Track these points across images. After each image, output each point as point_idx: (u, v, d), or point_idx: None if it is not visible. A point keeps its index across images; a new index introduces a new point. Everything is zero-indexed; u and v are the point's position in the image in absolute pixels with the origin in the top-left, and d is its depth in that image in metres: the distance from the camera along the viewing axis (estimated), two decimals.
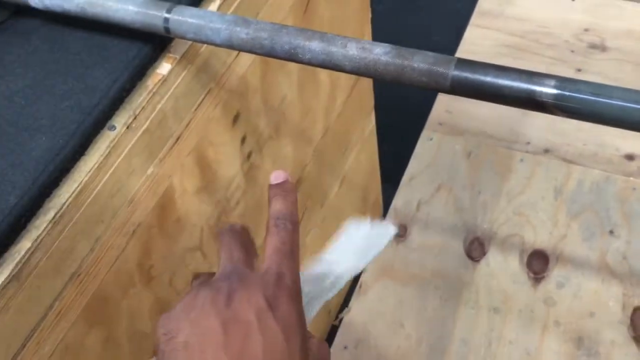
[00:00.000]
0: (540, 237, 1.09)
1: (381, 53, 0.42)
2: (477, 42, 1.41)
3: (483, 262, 1.08)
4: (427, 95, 1.34)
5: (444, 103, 1.31)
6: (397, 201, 1.17)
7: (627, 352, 0.96)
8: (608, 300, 1.01)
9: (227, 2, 0.53)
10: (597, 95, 0.38)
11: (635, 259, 1.04)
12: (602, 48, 1.35)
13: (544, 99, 0.38)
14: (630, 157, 1.17)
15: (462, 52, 1.41)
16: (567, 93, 0.38)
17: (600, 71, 1.32)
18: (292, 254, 0.35)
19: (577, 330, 0.99)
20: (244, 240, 0.37)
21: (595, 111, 0.38)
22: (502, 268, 1.07)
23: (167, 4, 0.45)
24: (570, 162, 1.18)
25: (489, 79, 0.40)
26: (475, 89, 0.40)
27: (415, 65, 0.41)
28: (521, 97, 0.39)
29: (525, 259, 1.07)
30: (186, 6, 0.46)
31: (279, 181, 0.40)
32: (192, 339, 0.29)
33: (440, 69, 0.41)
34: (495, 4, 1.48)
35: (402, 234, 1.13)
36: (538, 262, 1.07)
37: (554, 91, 0.38)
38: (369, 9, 0.79)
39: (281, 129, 0.65)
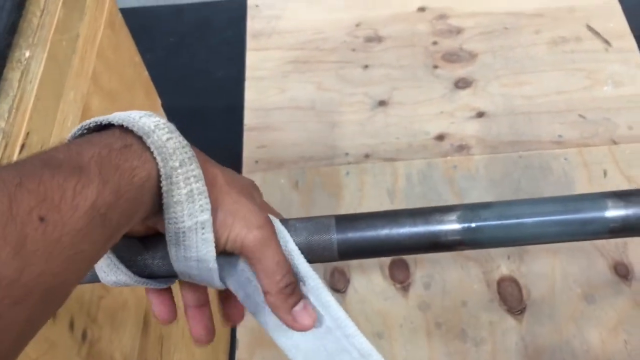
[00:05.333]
0: None
1: None
2: (260, 67, 1.37)
3: (350, 290, 1.05)
4: (233, 135, 1.28)
5: (252, 139, 1.25)
6: None
7: (507, 327, 0.99)
8: (473, 284, 1.04)
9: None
10: (505, 217, 0.33)
11: None
12: (378, 39, 1.38)
13: (450, 238, 0.33)
14: (440, 138, 1.21)
15: (250, 79, 1.35)
16: (474, 224, 0.33)
17: (383, 62, 1.34)
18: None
19: (458, 325, 1.00)
20: None
21: (508, 236, 0.33)
22: (369, 290, 1.05)
23: None
24: (391, 159, 1.19)
25: (383, 232, 0.34)
26: (369, 247, 0.34)
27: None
28: (424, 243, 0.34)
29: (387, 272, 1.06)
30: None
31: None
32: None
33: (321, 237, 0.34)
34: (264, 23, 1.44)
35: None
36: (399, 271, 1.06)
37: (458, 226, 0.33)
38: (157, 97, 0.69)
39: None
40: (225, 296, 0.40)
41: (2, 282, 0.23)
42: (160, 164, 0.31)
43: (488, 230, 0.33)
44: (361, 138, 1.23)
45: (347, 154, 1.21)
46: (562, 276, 1.03)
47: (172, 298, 0.40)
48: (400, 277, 1.06)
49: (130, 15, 0.73)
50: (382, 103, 1.28)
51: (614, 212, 0.31)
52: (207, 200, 0.33)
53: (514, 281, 1.03)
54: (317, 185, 1.18)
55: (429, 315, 1.02)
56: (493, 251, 1.06)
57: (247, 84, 1.34)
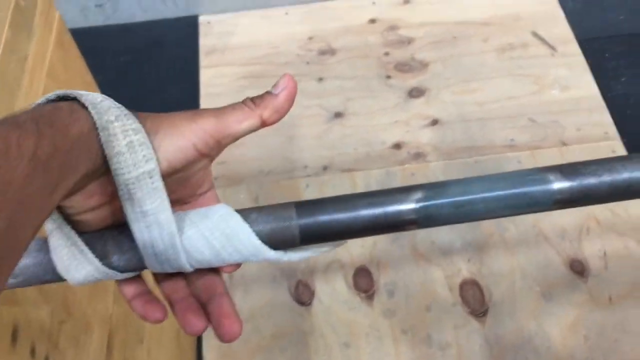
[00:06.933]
0: (355, 253, 1.10)
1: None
2: (215, 83, 1.37)
3: (315, 302, 1.05)
4: None
5: None
6: None
7: (470, 330, 1.01)
8: (436, 289, 1.05)
9: None
10: (458, 195, 0.34)
11: (441, 240, 1.10)
12: (331, 52, 1.39)
13: (406, 218, 0.34)
14: (397, 146, 1.23)
15: (205, 96, 1.35)
16: (428, 203, 0.34)
17: (337, 74, 1.36)
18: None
19: (423, 330, 1.01)
20: None
21: (462, 213, 0.34)
22: (334, 300, 1.05)
23: None
24: (350, 170, 1.20)
25: (343, 215, 0.35)
26: (330, 232, 0.35)
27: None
28: (382, 224, 0.34)
29: (351, 282, 1.07)
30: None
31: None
32: None
33: (283, 224, 0.34)
34: (216, 39, 1.44)
35: None
36: (363, 280, 1.07)
37: (414, 206, 0.34)
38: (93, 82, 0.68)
39: (70, 306, 0.53)
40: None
41: None
42: (96, 117, 0.33)
43: (443, 209, 0.34)
44: (319, 150, 1.24)
45: (306, 166, 1.22)
46: (521, 276, 1.05)
47: (152, 294, 0.39)
48: (364, 286, 1.06)
49: (77, 36, 0.72)
50: (338, 115, 1.29)
51: (559, 184, 0.33)
52: (150, 150, 0.33)
53: (475, 284, 1.05)
54: (277, 199, 1.18)
55: (394, 322, 1.03)
56: (454, 254, 1.08)
57: (202, 101, 1.34)
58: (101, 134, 0.33)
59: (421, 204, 0.34)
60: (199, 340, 1.02)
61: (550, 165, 0.35)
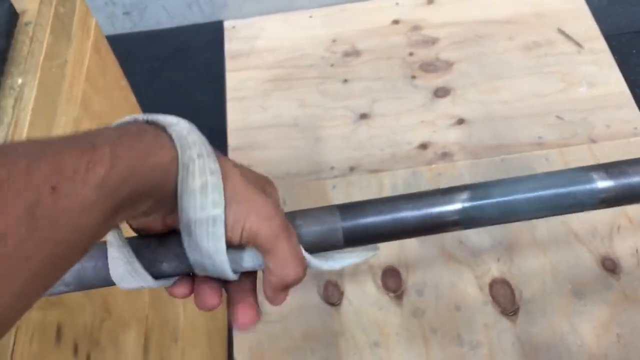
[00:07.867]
0: (383, 254, 1.10)
1: None
2: (241, 87, 1.38)
3: (345, 302, 1.06)
4: None
5: (237, 159, 1.25)
6: None
7: (502, 328, 1.00)
8: (466, 289, 1.05)
9: None
10: (502, 195, 0.34)
11: (469, 240, 1.09)
12: (356, 53, 1.40)
13: (451, 219, 0.35)
14: (424, 147, 1.23)
15: (231, 99, 1.36)
16: (473, 204, 0.35)
17: (362, 76, 1.36)
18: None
19: (453, 329, 1.01)
20: None
21: (506, 213, 0.35)
22: (363, 300, 1.05)
23: None
24: (376, 171, 1.21)
25: (387, 217, 0.35)
26: (374, 233, 0.35)
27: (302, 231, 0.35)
28: (425, 225, 0.35)
29: (380, 282, 1.07)
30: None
31: None
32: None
33: (327, 227, 0.35)
34: (242, 43, 1.45)
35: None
36: (392, 280, 1.07)
37: (458, 206, 0.34)
38: (133, 97, 0.70)
39: (110, 307, 0.54)
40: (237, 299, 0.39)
41: (11, 239, 0.24)
42: (179, 151, 0.32)
43: (487, 209, 0.34)
44: (345, 151, 1.25)
45: (332, 167, 1.22)
46: (552, 274, 1.04)
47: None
48: (393, 286, 1.07)
49: None
50: (363, 116, 1.29)
51: (603, 183, 0.33)
52: (221, 196, 0.33)
53: (505, 282, 1.04)
54: (305, 200, 1.18)
55: (424, 321, 1.03)
56: (484, 254, 1.07)
57: (229, 105, 1.35)
58: (180, 170, 0.32)
59: (465, 205, 0.34)
60: (229, 341, 1.03)
61: (594, 165, 0.35)
